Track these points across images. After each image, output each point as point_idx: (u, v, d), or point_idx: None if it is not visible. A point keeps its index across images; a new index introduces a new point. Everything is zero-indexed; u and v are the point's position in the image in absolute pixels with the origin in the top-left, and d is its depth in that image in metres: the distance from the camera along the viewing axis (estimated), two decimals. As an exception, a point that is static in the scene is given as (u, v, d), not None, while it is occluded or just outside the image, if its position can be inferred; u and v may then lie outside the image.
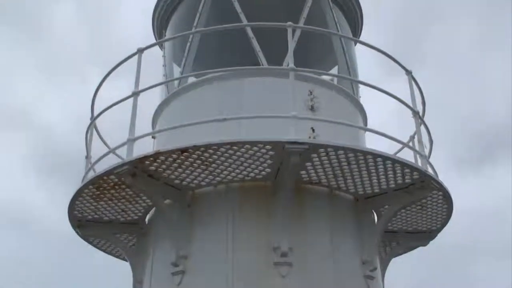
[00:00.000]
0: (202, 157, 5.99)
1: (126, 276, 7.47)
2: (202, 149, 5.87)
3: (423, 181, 6.49)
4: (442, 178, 6.74)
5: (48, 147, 24.03)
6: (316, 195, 6.58)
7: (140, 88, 6.73)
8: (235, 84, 7.11)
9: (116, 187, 6.58)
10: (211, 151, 5.90)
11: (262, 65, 7.51)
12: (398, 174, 6.41)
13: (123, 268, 7.86)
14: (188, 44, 8.19)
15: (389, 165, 6.25)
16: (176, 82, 8.09)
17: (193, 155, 5.96)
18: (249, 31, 7.67)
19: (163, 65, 8.73)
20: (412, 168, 6.33)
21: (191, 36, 8.17)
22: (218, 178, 6.37)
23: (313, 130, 6.58)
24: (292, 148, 5.77)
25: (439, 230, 7.75)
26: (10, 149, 24.80)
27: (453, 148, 23.64)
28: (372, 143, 7.05)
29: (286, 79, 6.34)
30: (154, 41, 9.07)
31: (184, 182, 6.41)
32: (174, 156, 5.97)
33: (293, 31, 6.82)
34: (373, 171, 6.33)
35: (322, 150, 5.95)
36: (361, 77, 8.61)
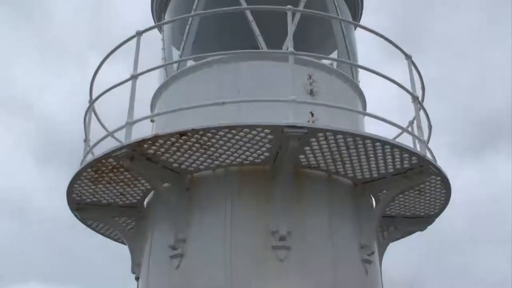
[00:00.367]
0: (200, 141, 5.99)
1: (125, 259, 7.51)
2: (201, 132, 5.87)
3: (421, 166, 6.50)
4: (441, 164, 6.76)
5: (48, 133, 24.02)
6: (315, 179, 6.59)
7: (139, 71, 6.70)
8: (234, 67, 7.08)
9: (115, 170, 6.58)
10: (209, 134, 5.89)
11: (262, 48, 7.49)
12: (397, 159, 6.41)
13: (121, 252, 7.90)
14: (187, 27, 8.15)
15: (388, 150, 6.25)
16: (175, 65, 8.06)
17: (192, 139, 5.95)
18: (248, 14, 7.64)
19: (162, 49, 8.69)
20: (411, 153, 6.34)
21: (190, 19, 8.13)
22: (216, 162, 6.37)
23: (312, 115, 6.57)
24: (291, 132, 5.76)
25: (437, 215, 7.78)
26: (9, 135, 24.79)
27: (453, 135, 23.64)
28: (371, 128, 7.05)
29: (285, 63, 6.32)
30: (153, 24, 9.01)
31: (182, 166, 6.41)
32: (173, 139, 5.96)
33: (293, 15, 6.79)
34: (371, 155, 6.33)
35: (321, 134, 5.94)
36: (361, 62, 8.58)
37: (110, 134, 6.98)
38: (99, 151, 6.57)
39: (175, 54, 8.54)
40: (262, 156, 6.26)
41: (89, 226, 7.82)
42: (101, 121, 7.65)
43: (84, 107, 7.45)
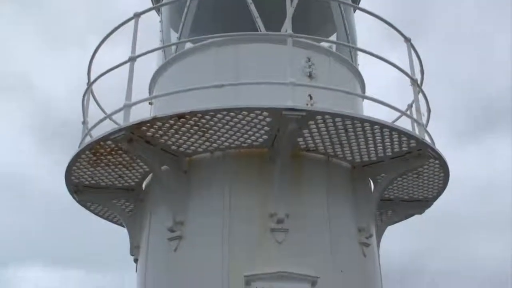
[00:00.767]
0: (199, 123, 5.98)
1: (123, 241, 7.54)
2: (199, 115, 5.85)
3: (420, 150, 6.50)
4: (439, 147, 6.76)
5: (48, 114, 23.96)
6: (313, 162, 6.59)
7: (137, 53, 6.67)
8: (232, 50, 7.05)
9: (113, 152, 6.58)
10: (208, 117, 5.88)
11: (260, 31, 7.44)
12: (395, 142, 6.41)
13: (120, 234, 7.92)
14: (186, 9, 8.10)
15: (386, 133, 6.24)
16: (173, 47, 8.02)
17: (190, 121, 5.94)
18: (247, -4, 7.58)
19: (160, 31, 8.65)
20: (409, 136, 6.33)
21: (188, 1, 8.07)
22: (215, 145, 6.37)
23: (311, 97, 6.55)
24: (290, 115, 5.75)
25: (435, 198, 7.80)
26: (9, 116, 24.72)
27: (453, 119, 23.61)
28: (370, 111, 7.04)
29: (284, 46, 6.29)
30: (151, 6, 8.96)
31: (181, 149, 6.40)
32: (171, 122, 5.95)
33: (292, -3, 6.75)
34: (370, 139, 6.32)
35: (319, 117, 5.93)
36: (360, 46, 8.53)
37: (108, 116, 6.96)
38: (97, 133, 6.56)
39: (174, 36, 8.49)
40: (260, 139, 6.26)
41: (88, 208, 7.84)
42: (99, 104, 7.63)
43: (83, 85, 7.44)
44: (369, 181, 7.16)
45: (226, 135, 6.17)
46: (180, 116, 5.88)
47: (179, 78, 7.30)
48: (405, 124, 6.95)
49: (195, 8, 8.10)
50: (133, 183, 7.26)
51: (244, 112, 5.82)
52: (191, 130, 6.08)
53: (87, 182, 7.23)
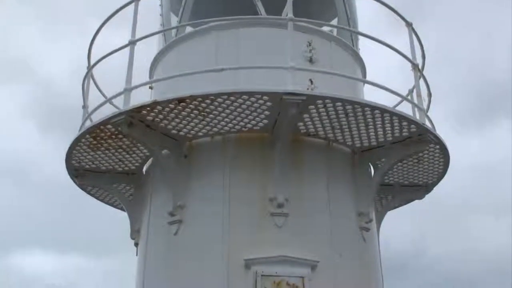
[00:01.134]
0: (199, 107, 5.97)
1: (124, 225, 7.56)
2: (199, 99, 5.85)
3: (420, 135, 6.50)
4: (441, 132, 6.76)
5: (48, 98, 23.92)
6: (313, 147, 6.59)
7: (137, 37, 6.64)
8: (233, 34, 7.02)
9: (113, 136, 6.58)
10: (208, 101, 5.87)
11: (261, 15, 7.41)
12: (396, 127, 6.41)
13: (121, 218, 7.94)
14: (186, -7, 8.05)
15: (387, 118, 6.24)
16: (173, 31, 7.98)
17: (190, 105, 5.93)
18: (248, -21, 7.54)
19: (160, 15, 8.61)
20: (410, 121, 6.32)
21: (189, -16, 8.03)
22: (215, 129, 6.36)
23: (311, 82, 6.54)
24: (290, 99, 5.75)
25: (435, 183, 7.80)
26: (10, 99, 24.69)
27: (455, 104, 23.57)
28: (371, 96, 7.01)
29: (284, 30, 6.27)
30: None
31: (181, 133, 6.40)
32: (171, 106, 5.94)
33: (293, -19, 6.69)
34: (370, 123, 6.32)
35: (320, 101, 5.92)
36: (361, 31, 8.48)
37: (108, 100, 6.96)
38: (98, 117, 6.55)
39: (174, 20, 8.46)
40: (260, 123, 6.25)
41: (88, 192, 7.86)
42: (99, 88, 7.62)
43: (84, 72, 7.41)
44: (369, 166, 7.16)
45: (226, 119, 6.17)
46: (180, 100, 5.87)
47: (179, 62, 7.28)
48: (406, 109, 6.96)
49: (195, -8, 8.06)
50: (133, 167, 7.26)
51: (244, 96, 5.81)
52: (192, 114, 6.07)
53: (87, 166, 7.23)
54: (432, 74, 7.72)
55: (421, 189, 7.88)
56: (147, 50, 7.86)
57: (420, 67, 7.20)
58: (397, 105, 7.54)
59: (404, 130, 6.44)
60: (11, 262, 24.15)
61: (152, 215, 6.81)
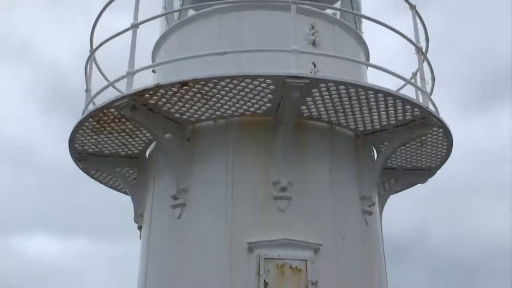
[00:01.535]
0: (202, 91, 5.96)
1: (127, 209, 7.59)
2: (202, 82, 5.83)
3: (423, 118, 6.48)
4: (444, 116, 6.74)
5: (51, 81, 23.84)
6: (317, 130, 6.59)
7: (140, 20, 6.62)
8: (235, 17, 6.99)
9: (116, 120, 6.58)
10: (211, 84, 5.86)
11: (264, -2, 7.35)
12: (399, 111, 6.39)
13: (124, 202, 7.97)
14: (189, -25, 8.01)
15: (390, 101, 6.22)
16: (176, 15, 7.96)
17: (193, 89, 5.92)
18: (250, -38, 7.47)
19: (163, -3, 8.56)
20: (413, 104, 6.31)
21: (191, -33, 7.98)
22: (218, 113, 6.36)
23: (315, 65, 6.51)
24: (293, 83, 5.73)
25: (438, 167, 7.79)
26: (13, 82, 24.62)
27: (459, 88, 23.45)
28: (374, 79, 7.00)
29: (287, 13, 6.23)
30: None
31: (184, 116, 6.40)
32: (174, 89, 5.93)
33: (296, -37, 6.64)
34: (374, 107, 6.30)
35: (323, 85, 5.91)
36: (364, 14, 8.43)
37: (111, 84, 6.95)
38: (101, 101, 6.55)
39: (176, 3, 8.41)
40: (263, 107, 6.24)
41: (91, 176, 7.88)
42: (102, 71, 7.61)
43: (87, 55, 7.39)
44: (372, 149, 7.16)
45: (229, 102, 6.16)
46: (183, 83, 5.86)
47: (182, 45, 7.25)
48: (409, 92, 6.93)
49: (198, -26, 8.00)
50: (136, 151, 7.27)
51: (247, 79, 5.80)
52: (194, 98, 6.06)
53: (90, 150, 7.25)
54: (436, 58, 7.68)
55: (424, 173, 7.88)
56: (150, 34, 7.84)
57: (423, 50, 7.16)
58: (400, 88, 7.51)
59: (408, 113, 6.43)
60: (13, 245, 24.27)
61: (155, 198, 6.83)
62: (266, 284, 5.79)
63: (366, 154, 6.95)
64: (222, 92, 5.98)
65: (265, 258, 5.88)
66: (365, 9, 8.66)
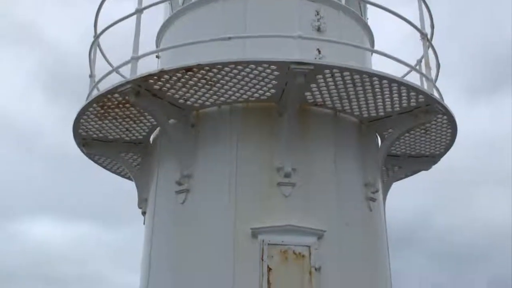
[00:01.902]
0: (206, 77, 5.95)
1: (131, 194, 7.61)
2: (207, 68, 5.83)
3: (428, 105, 6.47)
4: (449, 103, 6.73)
5: (56, 65, 23.78)
6: (321, 117, 6.58)
7: (144, 5, 6.60)
8: (240, 3, 6.96)
9: (120, 105, 6.58)
10: (215, 70, 5.86)
11: (269, -17, 7.31)
12: (404, 97, 6.38)
13: (128, 187, 7.99)
14: (193, -39, 7.95)
15: (395, 88, 6.21)
16: (180, 0, 7.91)
17: (198, 74, 5.91)
18: None
19: (167, -17, 8.52)
20: (418, 91, 6.29)
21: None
22: (222, 98, 6.35)
23: (319, 51, 6.50)
24: (297, 69, 5.72)
25: (442, 154, 7.79)
26: (17, 65, 24.56)
27: (466, 75, 23.33)
28: (379, 66, 6.97)
29: (292, -1, 6.21)
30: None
31: (188, 102, 6.40)
32: (179, 75, 5.93)
33: None
34: (378, 93, 6.29)
35: (327, 71, 5.89)
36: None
37: (115, 69, 6.94)
38: (105, 87, 6.55)
39: (181, -12, 8.36)
40: (268, 93, 6.24)
41: (96, 161, 7.89)
42: (106, 57, 7.60)
43: (91, 40, 7.38)
44: (376, 136, 7.15)
45: (233, 88, 6.15)
46: (188, 69, 5.85)
47: (186, 31, 7.23)
48: (414, 79, 6.91)
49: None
50: (140, 137, 7.28)
51: (251, 65, 5.79)
52: (199, 83, 6.06)
53: (95, 136, 7.26)
54: (442, 44, 7.65)
55: (428, 160, 7.88)
56: (154, 19, 7.82)
57: (429, 37, 7.13)
58: (405, 75, 7.48)
59: (412, 100, 6.42)
60: (17, 229, 24.38)
61: (159, 184, 6.84)
62: (269, 269, 5.81)
63: (370, 141, 6.95)
64: (227, 78, 5.98)
65: (268, 244, 5.90)
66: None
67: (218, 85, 6.09)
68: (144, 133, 7.22)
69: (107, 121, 6.92)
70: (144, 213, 7.25)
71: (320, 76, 5.95)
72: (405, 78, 6.93)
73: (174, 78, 5.98)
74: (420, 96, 6.35)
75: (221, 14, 7.03)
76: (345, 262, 6.13)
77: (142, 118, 6.85)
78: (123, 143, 7.38)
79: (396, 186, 8.17)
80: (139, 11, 6.51)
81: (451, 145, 7.59)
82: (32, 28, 23.77)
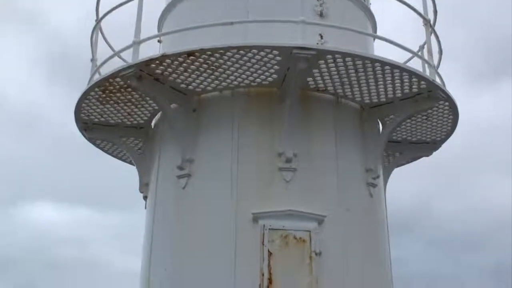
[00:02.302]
0: (208, 61, 5.95)
1: (133, 179, 7.63)
2: (209, 52, 5.82)
3: (430, 91, 6.47)
4: (452, 90, 6.72)
5: (58, 48, 23.69)
6: (322, 102, 6.58)
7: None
8: (243, -13, 6.93)
9: (122, 90, 6.58)
10: (217, 55, 5.85)
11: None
12: (406, 83, 6.38)
13: (130, 172, 8.00)
14: None
15: (397, 73, 6.21)
16: (182, -16, 7.87)
17: (200, 59, 5.91)
18: None
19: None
20: (420, 77, 6.29)
21: None
22: (224, 83, 6.35)
23: (321, 37, 6.49)
24: (300, 54, 5.72)
25: (443, 141, 7.80)
26: (19, 48, 24.48)
27: (470, 60, 23.25)
28: (381, 52, 6.95)
29: (295, -17, 6.19)
30: None
31: (190, 87, 6.40)
32: (181, 59, 5.93)
33: None
34: (380, 79, 6.29)
35: (329, 56, 5.89)
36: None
37: (117, 53, 6.92)
38: (107, 71, 6.55)
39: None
40: (270, 78, 6.23)
41: (97, 146, 7.89)
42: (107, 41, 7.58)
43: (93, 24, 7.36)
44: (378, 122, 7.16)
45: (235, 73, 6.15)
46: (190, 53, 5.85)
47: (189, 15, 7.20)
48: (416, 66, 6.89)
49: None
50: (142, 121, 7.29)
51: (253, 50, 5.78)
52: (201, 68, 6.06)
53: (96, 120, 7.26)
54: (445, 30, 7.62)
55: (429, 146, 7.89)
56: (156, 3, 7.79)
57: (431, 22, 7.11)
58: (407, 61, 7.46)
59: (414, 86, 6.42)
60: (18, 213, 24.47)
61: (160, 169, 6.86)
62: (270, 254, 5.85)
63: (371, 127, 6.96)
64: (229, 63, 5.97)
65: (269, 229, 5.93)
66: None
67: (220, 70, 6.08)
68: (145, 118, 7.23)
69: (108, 106, 6.92)
70: (145, 198, 7.27)
71: (322, 62, 5.95)
72: (407, 64, 6.92)
73: (176, 62, 5.97)
74: (422, 82, 6.34)
75: (224, -1, 7.01)
76: (345, 247, 6.16)
77: (143, 102, 6.86)
78: (124, 128, 7.39)
79: (397, 172, 8.20)
80: (141, -5, 6.49)
81: (452, 132, 7.59)
82: (34, 11, 23.69)
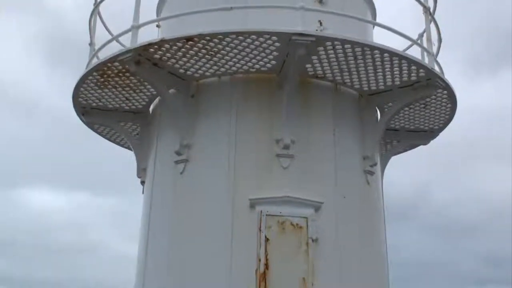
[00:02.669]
0: (207, 47, 5.93)
1: (130, 164, 7.63)
2: (208, 38, 5.80)
3: (429, 79, 6.46)
4: (451, 78, 6.72)
5: (56, 31, 23.59)
6: (321, 89, 6.58)
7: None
8: (242, -28, 6.89)
9: (120, 74, 6.57)
10: (216, 40, 5.83)
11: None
12: (404, 71, 6.37)
13: (128, 157, 8.01)
14: None
15: (396, 61, 6.20)
16: (182, -31, 7.83)
17: (198, 44, 5.89)
18: None
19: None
20: (419, 65, 6.28)
21: None
22: (222, 69, 6.34)
23: (321, 23, 6.46)
24: (299, 40, 5.70)
25: (441, 129, 7.80)
26: (17, 31, 24.37)
27: (469, 49, 23.22)
28: (380, 39, 6.93)
29: (295, -31, 6.14)
30: None
31: (188, 72, 6.38)
32: (179, 44, 5.91)
33: None
34: (379, 67, 6.28)
35: (329, 43, 5.88)
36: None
37: (115, 38, 6.89)
38: (105, 55, 6.52)
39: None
40: (268, 65, 6.22)
41: (95, 130, 7.90)
42: (106, 25, 7.54)
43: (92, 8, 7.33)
44: (376, 110, 7.16)
45: (234, 59, 6.14)
46: (188, 38, 5.83)
47: (188, 0, 7.17)
48: (415, 54, 6.88)
49: None
50: (140, 106, 7.28)
51: (253, 36, 5.76)
52: (199, 54, 6.04)
53: (94, 104, 7.25)
54: (446, 18, 7.60)
55: (426, 135, 7.90)
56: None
57: (431, 10, 7.08)
58: (406, 49, 7.45)
59: (413, 74, 6.41)
60: (16, 197, 24.48)
61: (158, 154, 6.86)
62: (267, 240, 5.87)
63: (369, 114, 6.96)
64: (227, 48, 5.96)
65: (266, 215, 5.94)
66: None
67: (219, 55, 6.07)
68: (143, 103, 7.22)
69: (106, 90, 6.91)
70: (143, 183, 7.28)
71: (321, 48, 5.94)
72: (406, 52, 6.91)
73: (175, 47, 5.95)
74: (421, 70, 6.34)
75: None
76: (342, 234, 6.18)
77: (142, 87, 6.84)
78: (122, 112, 7.38)
79: (395, 160, 8.21)
80: (140, -21, 6.44)
81: (450, 120, 7.60)
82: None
